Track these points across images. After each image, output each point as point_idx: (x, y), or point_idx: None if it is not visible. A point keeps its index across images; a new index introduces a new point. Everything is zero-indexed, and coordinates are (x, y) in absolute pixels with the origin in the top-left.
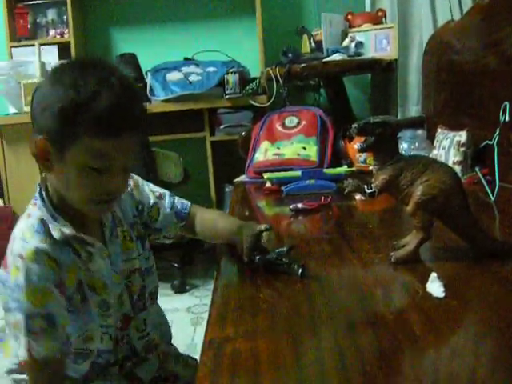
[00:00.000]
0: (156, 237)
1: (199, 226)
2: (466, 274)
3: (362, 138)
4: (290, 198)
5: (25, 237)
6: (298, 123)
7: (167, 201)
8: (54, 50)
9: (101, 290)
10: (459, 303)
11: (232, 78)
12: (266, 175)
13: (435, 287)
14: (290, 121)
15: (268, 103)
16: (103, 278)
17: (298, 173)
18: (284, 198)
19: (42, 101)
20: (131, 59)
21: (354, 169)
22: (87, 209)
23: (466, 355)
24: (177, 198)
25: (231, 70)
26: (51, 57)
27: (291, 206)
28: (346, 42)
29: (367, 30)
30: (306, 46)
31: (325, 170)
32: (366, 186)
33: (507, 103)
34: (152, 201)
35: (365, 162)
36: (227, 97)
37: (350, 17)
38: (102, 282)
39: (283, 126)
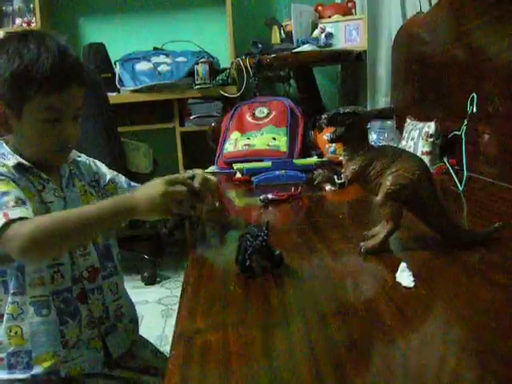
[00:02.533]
0: None
1: None
2: (435, 263)
3: (332, 129)
4: (260, 188)
5: None
6: (268, 114)
7: (123, 179)
8: None
9: None
10: (428, 293)
11: (202, 69)
12: (236, 166)
13: (405, 277)
14: (260, 111)
15: (238, 94)
16: None
17: (269, 163)
18: (254, 189)
19: None
20: (100, 49)
21: (324, 159)
22: (46, 157)
23: (436, 344)
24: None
25: (201, 61)
26: None
27: (261, 197)
28: (316, 33)
29: (337, 21)
30: (276, 37)
31: (295, 161)
32: (336, 177)
33: (474, 94)
34: (108, 176)
35: (334, 152)
36: (197, 87)
37: (320, 8)
38: None
39: (253, 116)
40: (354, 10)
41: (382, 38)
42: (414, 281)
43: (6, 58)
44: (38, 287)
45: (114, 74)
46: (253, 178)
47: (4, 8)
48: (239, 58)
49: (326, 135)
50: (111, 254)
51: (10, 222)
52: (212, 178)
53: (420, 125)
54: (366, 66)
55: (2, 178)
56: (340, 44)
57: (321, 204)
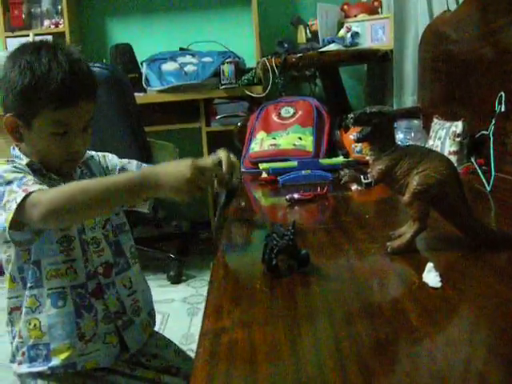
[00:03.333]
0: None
1: None
2: (462, 263)
3: (358, 128)
4: (286, 188)
5: None
6: (294, 113)
7: (135, 164)
8: (49, 39)
9: None
10: (455, 293)
11: (228, 69)
12: (262, 165)
13: (431, 277)
14: (286, 111)
15: (264, 93)
16: None
17: (294, 163)
18: (280, 189)
19: (5, 84)
20: (126, 49)
21: (350, 159)
22: (56, 166)
23: (462, 345)
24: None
25: (227, 61)
26: None
27: (287, 197)
28: (341, 33)
29: (363, 20)
30: (302, 37)
31: (321, 161)
32: (362, 177)
33: (503, 93)
34: (118, 166)
35: (361, 152)
36: (223, 87)
37: (345, 7)
38: None
39: (279, 116)
40: (380, 9)
41: (408, 37)
42: (441, 281)
43: (18, 72)
44: (54, 279)
45: (140, 74)
46: (279, 178)
47: (32, 10)
48: (265, 58)
49: (352, 135)
50: (122, 249)
51: (28, 194)
52: (234, 159)
53: (447, 124)
54: (392, 66)
55: (21, 171)
56: (366, 43)
57: (347, 204)
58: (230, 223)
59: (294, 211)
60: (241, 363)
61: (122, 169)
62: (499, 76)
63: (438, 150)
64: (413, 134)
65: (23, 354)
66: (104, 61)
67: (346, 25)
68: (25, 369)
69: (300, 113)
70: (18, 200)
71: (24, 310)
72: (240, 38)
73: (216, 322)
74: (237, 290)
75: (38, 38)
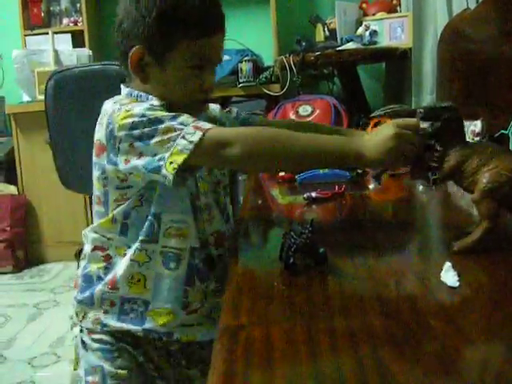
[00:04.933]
0: None
1: None
2: (482, 263)
3: (372, 125)
4: (303, 186)
5: (122, 103)
6: (312, 112)
7: (235, 111)
8: (68, 38)
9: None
10: (474, 293)
11: (246, 67)
12: None
13: (449, 276)
14: (304, 109)
15: (282, 92)
16: None
17: None
18: (298, 187)
19: (132, 12)
20: None
21: None
22: (184, 108)
23: (480, 344)
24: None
25: (245, 59)
26: (65, 45)
27: (305, 195)
28: (360, 31)
29: (382, 19)
30: (320, 35)
31: None
32: (430, 173)
33: None
34: (223, 118)
35: None
36: (241, 85)
37: (364, 5)
38: None
39: (297, 114)
40: (398, 7)
41: (427, 36)
42: (459, 280)
43: (150, 1)
44: (174, 238)
45: None
46: (296, 176)
47: (52, 8)
48: (283, 56)
49: (369, 133)
50: (229, 215)
51: (206, 132)
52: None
53: (466, 123)
54: (410, 64)
55: (159, 108)
56: (385, 41)
57: (364, 202)
58: (247, 221)
59: (311, 210)
60: (258, 361)
61: (223, 118)
62: None
63: None
64: None
65: (112, 303)
66: None
67: (364, 23)
68: (112, 321)
69: (318, 111)
70: (195, 139)
71: (128, 262)
72: (258, 37)
73: (234, 319)
74: (254, 288)
75: (56, 37)
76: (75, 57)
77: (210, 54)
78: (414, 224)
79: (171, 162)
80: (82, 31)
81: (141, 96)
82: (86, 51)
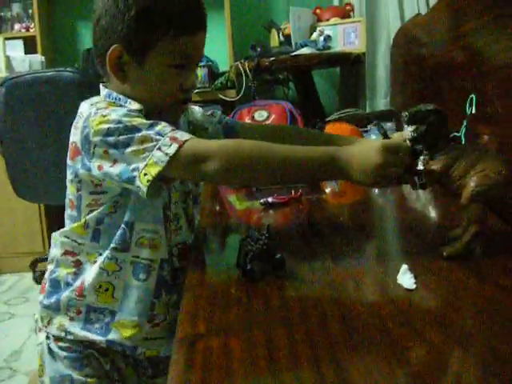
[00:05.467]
0: None
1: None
2: (438, 265)
3: (333, 131)
4: (260, 192)
5: (98, 107)
6: (268, 117)
7: (219, 114)
8: (20, 44)
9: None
10: (430, 295)
11: (201, 72)
12: None
13: (406, 279)
14: (260, 115)
15: (237, 97)
16: None
17: None
18: (254, 192)
19: (110, 9)
20: None
21: None
22: (164, 109)
23: (436, 345)
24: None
25: (200, 65)
26: (17, 51)
27: (262, 200)
28: (314, 36)
29: (335, 24)
30: (275, 40)
31: None
32: (416, 178)
33: (473, 95)
34: (205, 123)
35: None
36: (196, 91)
37: (318, 11)
38: None
39: (253, 119)
40: (352, 13)
41: (380, 41)
42: (416, 283)
43: None
44: (146, 249)
45: None
46: None
47: (3, 14)
48: (238, 62)
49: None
50: (194, 226)
51: (182, 144)
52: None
53: None
54: (364, 69)
55: (137, 114)
56: (339, 47)
57: (321, 207)
58: (205, 228)
59: (268, 215)
60: (217, 370)
61: (206, 123)
62: (470, 78)
63: None
64: None
65: (78, 311)
66: (75, 65)
67: (318, 28)
68: (76, 329)
69: (273, 116)
70: (171, 151)
71: (97, 270)
72: (213, 42)
73: (191, 328)
74: (212, 296)
75: (8, 42)
76: (27, 63)
77: (192, 53)
78: (371, 227)
79: (145, 174)
80: (34, 37)
81: (119, 99)
82: (38, 57)
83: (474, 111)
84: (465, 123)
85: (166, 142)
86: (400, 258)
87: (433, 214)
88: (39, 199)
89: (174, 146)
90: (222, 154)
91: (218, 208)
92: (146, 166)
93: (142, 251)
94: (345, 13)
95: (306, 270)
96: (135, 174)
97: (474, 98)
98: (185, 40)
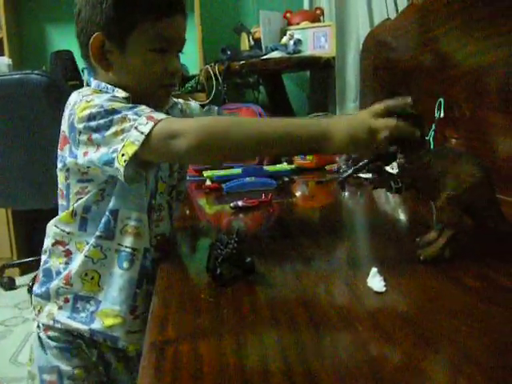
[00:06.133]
0: None
1: None
2: (409, 268)
3: None
4: (230, 195)
5: (83, 94)
6: None
7: (216, 109)
8: None
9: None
10: (400, 297)
11: None
12: (206, 173)
13: (376, 282)
14: None
15: (207, 101)
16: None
17: (239, 170)
18: (225, 196)
19: (89, 2)
20: (67, 56)
21: (293, 166)
22: (151, 96)
23: (406, 346)
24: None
25: None
26: None
27: (232, 204)
28: (284, 40)
29: (305, 28)
30: (245, 44)
31: (265, 167)
32: (392, 182)
33: (442, 99)
34: (199, 112)
35: (304, 158)
36: None
37: (288, 15)
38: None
39: None
40: (322, 17)
41: (350, 45)
42: (385, 286)
43: None
44: (130, 237)
45: (81, 81)
46: (223, 185)
47: None
48: (208, 65)
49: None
50: (173, 218)
51: (157, 123)
52: None
53: None
54: (334, 73)
55: (119, 100)
56: (309, 50)
57: (291, 210)
58: (175, 232)
59: (238, 219)
60: (187, 376)
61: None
62: (438, 83)
63: None
64: None
65: (67, 300)
66: (44, 68)
67: (288, 32)
68: (63, 317)
69: None
70: (146, 130)
71: (83, 258)
72: None
73: (161, 334)
74: (181, 301)
75: None
76: None
77: (172, 37)
78: (342, 230)
79: (123, 155)
80: (1, 40)
81: (107, 88)
82: (5, 60)
83: (442, 115)
84: (433, 127)
85: (143, 121)
86: (370, 260)
87: (402, 217)
88: (6, 204)
89: (150, 125)
90: (195, 129)
91: (188, 212)
92: (123, 146)
93: (126, 239)
94: (315, 17)
95: (276, 273)
96: (114, 155)
97: (443, 102)
98: (163, 23)
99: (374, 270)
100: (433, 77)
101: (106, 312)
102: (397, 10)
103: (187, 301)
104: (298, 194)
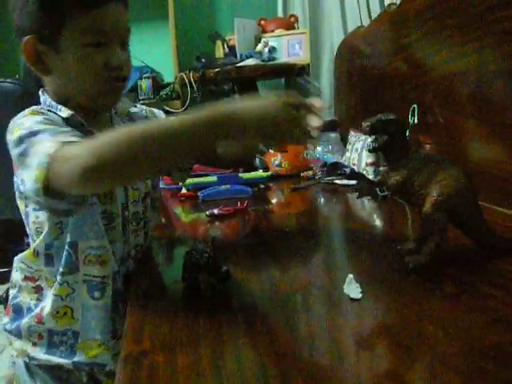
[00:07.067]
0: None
1: None
2: (383, 274)
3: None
4: (206, 203)
5: (21, 115)
6: None
7: None
8: None
9: (104, 196)
10: (376, 304)
11: (145, 84)
12: None
13: (352, 289)
14: None
15: (182, 108)
16: None
17: (214, 178)
18: (200, 204)
19: (17, 4)
20: None
21: (269, 173)
22: (98, 95)
23: (383, 353)
24: None
25: (144, 76)
26: None
27: (207, 212)
28: (259, 47)
29: (280, 35)
30: (220, 51)
31: (240, 175)
32: (378, 189)
33: (415, 106)
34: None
35: (280, 165)
36: (141, 102)
37: (262, 22)
38: None
39: None
40: (296, 25)
41: (324, 52)
42: (361, 292)
43: None
44: (95, 266)
45: None
46: (198, 193)
47: None
48: (183, 73)
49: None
50: (148, 228)
51: (61, 146)
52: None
53: (363, 136)
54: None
55: (50, 122)
56: (283, 58)
57: (267, 218)
58: (150, 241)
59: (214, 227)
60: None
61: None
62: (412, 89)
63: (356, 161)
64: (331, 147)
65: (40, 336)
66: (17, 76)
67: (263, 40)
68: (40, 354)
69: None
70: (51, 151)
71: (52, 297)
72: (158, 53)
73: (136, 345)
74: (157, 311)
75: None
76: None
77: (107, 28)
78: (318, 237)
79: (37, 181)
80: None
81: (51, 106)
82: None
83: (416, 121)
84: (407, 133)
85: (49, 143)
86: (346, 267)
87: (379, 223)
88: None
89: (52, 147)
90: (84, 150)
91: (163, 220)
92: (35, 170)
93: (92, 269)
94: (289, 24)
95: (252, 281)
96: (36, 184)
97: (416, 109)
98: (94, 15)
99: (350, 276)
100: (406, 83)
101: (88, 343)
102: (370, 18)
103: (163, 310)
104: (273, 201)
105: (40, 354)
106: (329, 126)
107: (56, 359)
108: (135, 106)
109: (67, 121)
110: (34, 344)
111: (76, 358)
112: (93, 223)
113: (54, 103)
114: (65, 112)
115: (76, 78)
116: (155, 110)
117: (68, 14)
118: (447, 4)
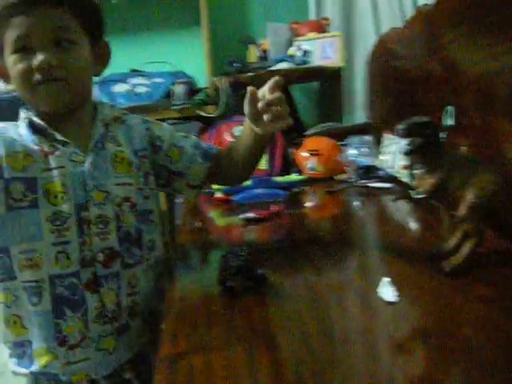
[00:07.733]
0: (178, 187)
1: (225, 157)
2: (420, 278)
3: (309, 145)
4: (240, 207)
5: None
6: None
7: (192, 140)
8: None
9: (58, 195)
10: (412, 307)
11: (179, 89)
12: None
13: (387, 292)
14: (239, 130)
15: (216, 113)
16: (65, 180)
17: (248, 181)
18: (235, 208)
19: None
20: None
21: (303, 176)
22: (30, 99)
23: (419, 358)
24: (203, 142)
25: (178, 81)
26: None
27: (242, 216)
28: (291, 51)
29: (312, 39)
30: (253, 56)
31: (275, 179)
32: (413, 192)
33: (451, 107)
34: (170, 140)
35: (313, 169)
36: (174, 107)
37: (294, 26)
38: (60, 185)
39: (232, 135)
40: (328, 27)
41: (357, 55)
42: (397, 295)
43: None
44: (28, 270)
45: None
46: (233, 197)
47: None
48: (216, 78)
49: (303, 152)
50: (141, 239)
51: None
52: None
53: (398, 139)
54: (342, 83)
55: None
56: (316, 61)
57: (301, 221)
58: (185, 245)
59: (249, 230)
60: None
61: (175, 144)
62: (447, 91)
63: (389, 164)
64: (364, 150)
65: (9, 347)
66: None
67: (295, 43)
68: (13, 365)
69: None
70: None
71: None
72: (191, 58)
73: (173, 347)
74: (193, 314)
75: None
76: None
77: (29, 32)
78: (352, 240)
79: None
80: None
81: (23, 120)
82: None
83: (452, 123)
84: (443, 135)
85: None
86: (382, 271)
87: (413, 226)
88: None
89: None
90: None
91: (197, 224)
92: None
93: (25, 274)
94: (321, 27)
95: (287, 285)
96: None
97: (452, 111)
98: (13, 22)
99: (385, 279)
100: (441, 85)
101: (38, 351)
102: (404, 19)
103: (199, 313)
104: (307, 204)
105: (14, 366)
106: (362, 130)
107: (22, 370)
108: (126, 114)
109: (32, 125)
110: (10, 355)
111: (32, 368)
112: (23, 226)
113: (23, 118)
114: (24, 115)
115: (14, 82)
116: (162, 124)
117: (3, 23)
118: (484, 2)
